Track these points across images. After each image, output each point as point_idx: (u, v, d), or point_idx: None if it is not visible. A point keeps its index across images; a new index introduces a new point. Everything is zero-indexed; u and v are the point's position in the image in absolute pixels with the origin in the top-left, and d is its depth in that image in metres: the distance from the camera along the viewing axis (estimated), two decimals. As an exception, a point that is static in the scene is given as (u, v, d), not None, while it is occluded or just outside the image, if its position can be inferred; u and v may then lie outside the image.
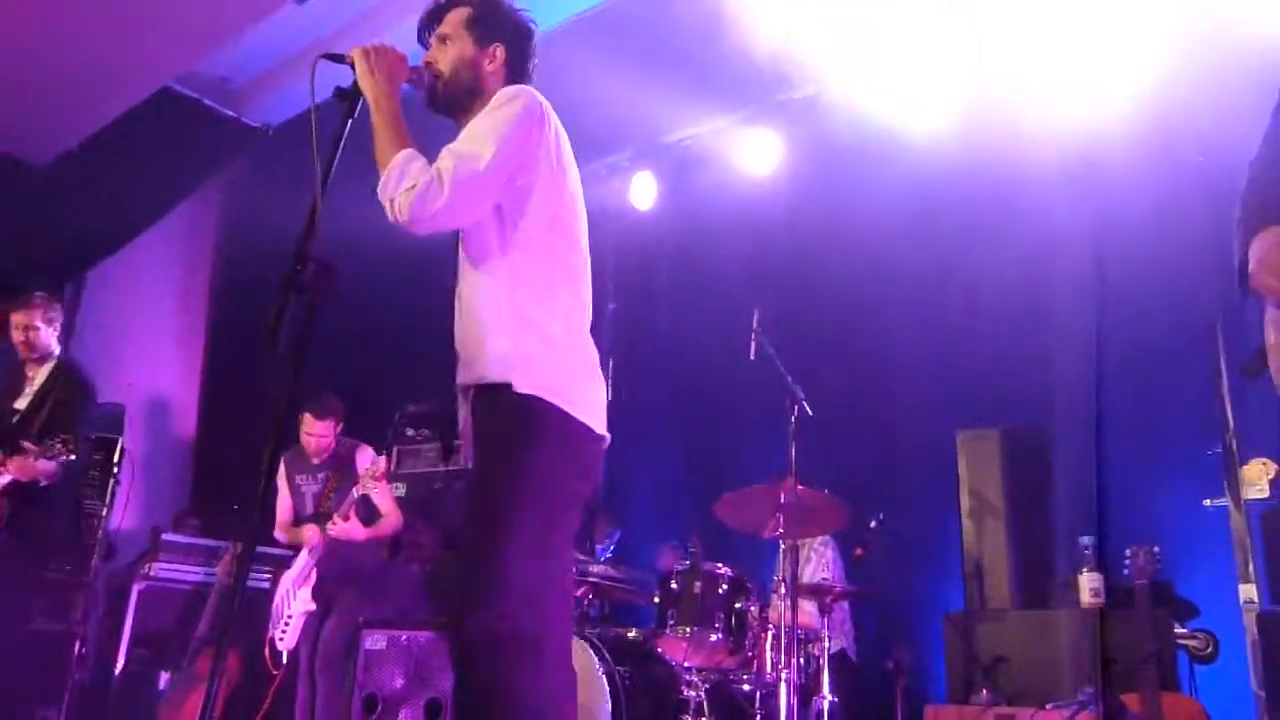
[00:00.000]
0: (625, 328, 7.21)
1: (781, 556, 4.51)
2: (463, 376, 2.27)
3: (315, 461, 5.23)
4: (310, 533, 5.06)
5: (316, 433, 5.18)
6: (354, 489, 4.98)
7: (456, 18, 2.42)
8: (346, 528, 4.97)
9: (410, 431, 6.11)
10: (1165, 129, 4.94)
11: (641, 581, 5.20)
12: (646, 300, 7.34)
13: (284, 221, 2.73)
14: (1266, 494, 4.26)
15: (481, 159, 2.14)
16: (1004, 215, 5.59)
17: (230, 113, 6.85)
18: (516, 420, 2.12)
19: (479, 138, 2.19)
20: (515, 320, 2.18)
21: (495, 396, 2.15)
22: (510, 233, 2.22)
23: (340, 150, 2.12)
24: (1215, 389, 4.64)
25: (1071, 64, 5.36)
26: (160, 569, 5.96)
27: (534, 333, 2.18)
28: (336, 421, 5.23)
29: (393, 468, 5.81)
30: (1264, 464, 4.28)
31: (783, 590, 4.24)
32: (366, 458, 5.18)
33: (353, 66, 2.24)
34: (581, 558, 5.20)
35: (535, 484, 2.11)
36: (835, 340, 6.04)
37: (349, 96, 2.22)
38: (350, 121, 2.20)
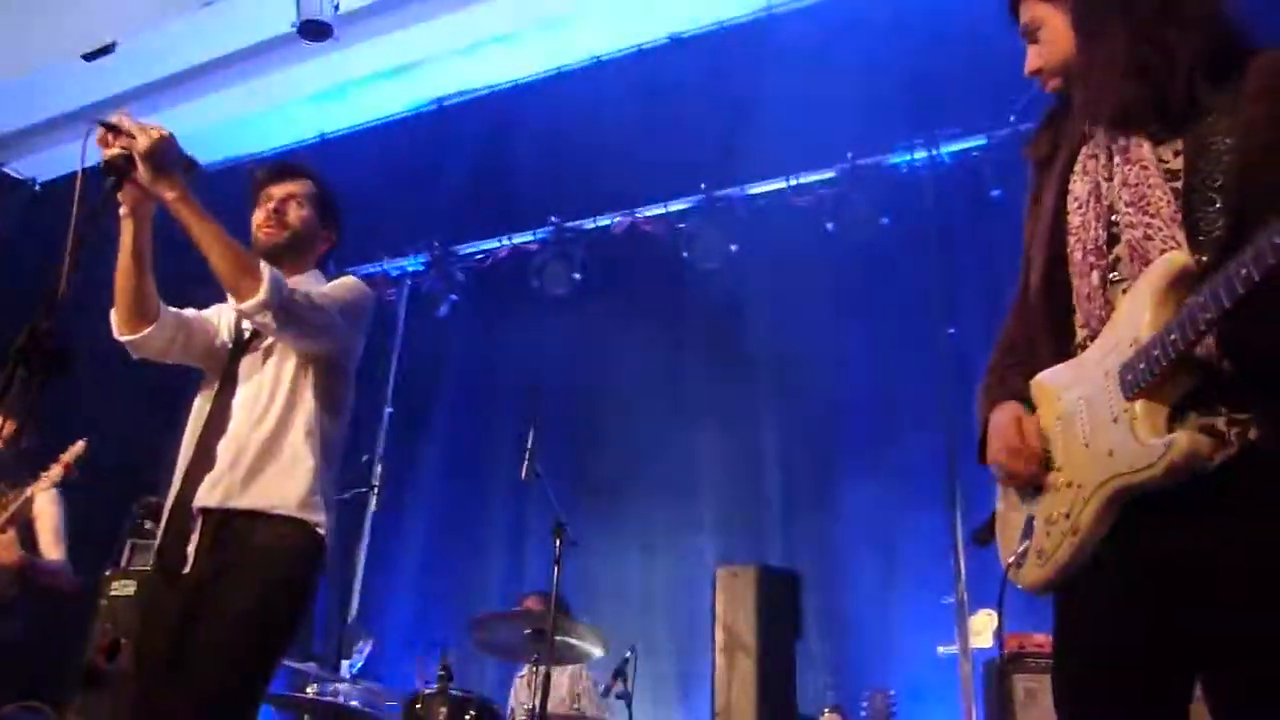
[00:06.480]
0: (400, 432, 7.03)
1: (528, 683, 4.41)
2: (241, 499, 2.30)
3: None
4: None
5: None
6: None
7: (305, 188, 2.61)
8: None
9: (150, 525, 5.59)
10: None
11: (387, 703, 4.93)
12: (425, 409, 7.20)
13: (51, 283, 2.58)
14: (990, 644, 4.55)
15: (344, 316, 2.44)
16: (780, 354, 5.89)
17: (-8, 162, 6.40)
18: (311, 561, 2.32)
19: (341, 301, 2.46)
20: (324, 466, 2.38)
21: (297, 531, 2.29)
22: (330, 388, 2.44)
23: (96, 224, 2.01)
24: (951, 540, 4.98)
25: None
26: None
27: (331, 484, 2.41)
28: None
29: (125, 564, 5.27)
30: (989, 615, 4.58)
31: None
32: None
33: (128, 152, 2.16)
34: (325, 675, 4.90)
35: (293, 626, 2.32)
36: (606, 469, 6.10)
37: (117, 171, 2.15)
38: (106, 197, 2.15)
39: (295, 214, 2.57)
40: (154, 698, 2.20)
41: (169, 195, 2.19)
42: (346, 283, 2.56)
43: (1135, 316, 1.45)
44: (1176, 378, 1.41)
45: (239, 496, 2.29)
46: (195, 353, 2.52)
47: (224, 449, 2.34)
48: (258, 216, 2.58)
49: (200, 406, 2.46)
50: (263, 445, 2.33)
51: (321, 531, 2.33)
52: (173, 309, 2.49)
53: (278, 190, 2.57)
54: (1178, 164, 1.50)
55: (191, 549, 2.26)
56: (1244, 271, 1.27)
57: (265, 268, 2.23)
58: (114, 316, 2.42)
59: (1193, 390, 1.41)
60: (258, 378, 2.42)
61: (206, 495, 2.30)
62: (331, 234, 2.67)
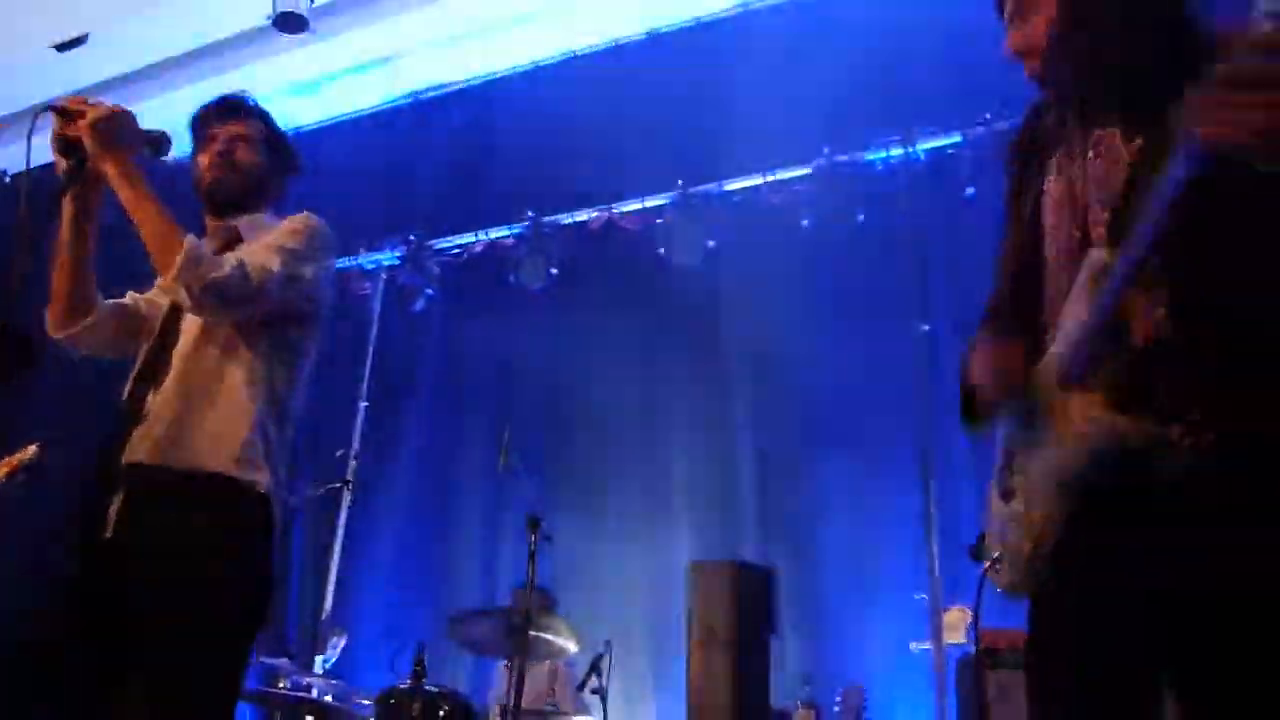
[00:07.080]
0: (375, 427, 6.99)
1: (507, 678, 4.40)
2: (169, 454, 2.10)
3: None
4: None
5: None
6: None
7: (254, 129, 2.40)
8: None
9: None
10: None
11: (361, 697, 4.92)
12: (400, 403, 7.17)
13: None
14: (963, 639, 4.58)
15: (292, 268, 2.20)
16: (755, 350, 5.91)
17: (-40, 154, 6.32)
18: (249, 523, 2.12)
19: (292, 250, 2.22)
20: (269, 420, 2.18)
21: (231, 490, 2.09)
22: (282, 336, 2.25)
23: (54, 210, 2.03)
24: (925, 537, 5.02)
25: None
26: None
27: (281, 443, 2.21)
28: None
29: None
30: (963, 611, 4.61)
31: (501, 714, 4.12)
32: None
33: (79, 137, 2.06)
34: (297, 670, 4.88)
35: (243, 595, 2.10)
36: (582, 464, 6.10)
37: (73, 153, 2.06)
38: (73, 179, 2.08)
39: (244, 156, 2.35)
40: (92, 674, 2.03)
41: (110, 170, 2.05)
42: (294, 226, 2.30)
43: (1073, 314, 1.49)
44: (1104, 369, 1.44)
45: (167, 451, 2.09)
46: (143, 339, 2.32)
47: (155, 400, 2.14)
48: (202, 160, 2.35)
49: (139, 357, 2.27)
50: (195, 395, 2.14)
51: (261, 490, 2.11)
52: (111, 300, 2.33)
53: (223, 131, 2.35)
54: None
55: (113, 510, 2.05)
56: (1131, 256, 1.34)
57: (189, 247, 2.04)
58: (49, 313, 2.25)
59: (1131, 385, 1.42)
60: (197, 322, 2.20)
61: (133, 450, 2.09)
62: (279, 179, 2.45)
